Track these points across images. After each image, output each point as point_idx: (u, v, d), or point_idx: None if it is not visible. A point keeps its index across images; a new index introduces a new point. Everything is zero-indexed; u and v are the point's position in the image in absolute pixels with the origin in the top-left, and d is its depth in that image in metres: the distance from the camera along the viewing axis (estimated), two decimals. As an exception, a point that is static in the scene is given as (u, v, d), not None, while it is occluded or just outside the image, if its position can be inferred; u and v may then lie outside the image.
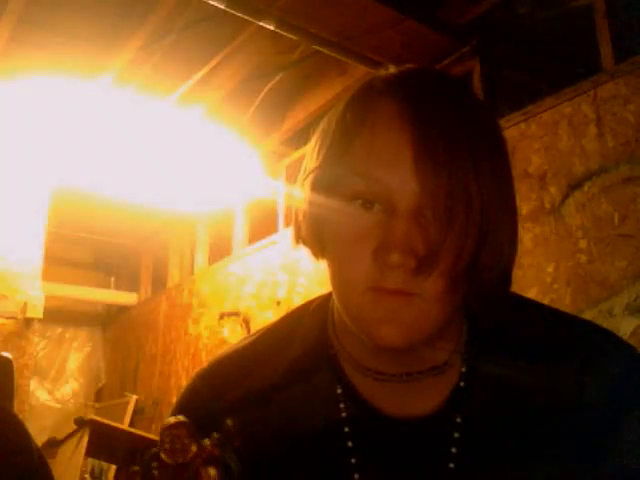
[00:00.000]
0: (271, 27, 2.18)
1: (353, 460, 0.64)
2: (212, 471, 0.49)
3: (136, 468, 0.50)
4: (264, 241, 3.28)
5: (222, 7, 2.07)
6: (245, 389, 0.70)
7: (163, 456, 0.49)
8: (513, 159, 2.09)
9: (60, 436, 3.46)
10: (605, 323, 1.74)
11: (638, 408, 0.63)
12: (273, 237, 3.21)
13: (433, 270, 0.57)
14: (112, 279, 4.98)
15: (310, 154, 0.65)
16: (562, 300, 1.88)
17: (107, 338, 4.79)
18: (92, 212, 3.82)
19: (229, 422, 0.53)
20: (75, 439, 3.27)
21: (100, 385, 4.68)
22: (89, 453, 3.20)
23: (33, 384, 4.06)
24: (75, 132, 2.72)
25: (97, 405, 4.47)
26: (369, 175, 0.59)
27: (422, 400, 0.66)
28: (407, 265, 0.56)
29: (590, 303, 1.81)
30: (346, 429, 0.66)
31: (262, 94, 2.79)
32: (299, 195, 0.66)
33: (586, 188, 1.89)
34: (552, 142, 2.01)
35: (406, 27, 2.24)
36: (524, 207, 2.04)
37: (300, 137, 3.07)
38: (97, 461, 3.53)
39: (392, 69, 0.65)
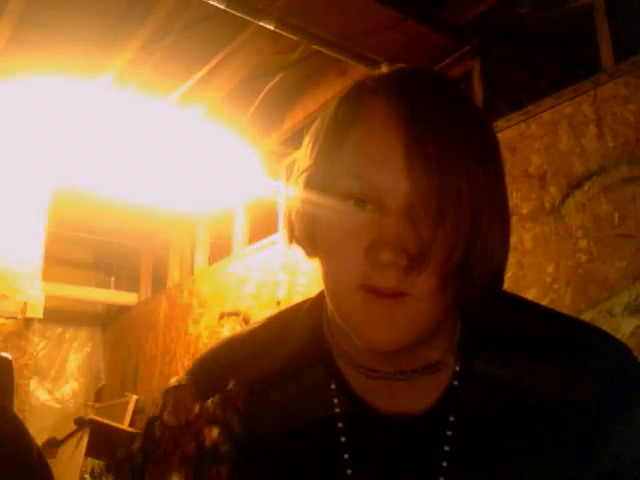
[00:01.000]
0: (271, 27, 2.18)
1: (346, 456, 0.65)
2: (215, 431, 0.49)
3: (137, 445, 0.50)
4: (264, 241, 3.28)
5: (222, 7, 2.07)
6: (241, 379, 0.70)
7: (166, 417, 0.49)
8: (513, 159, 2.09)
9: (60, 436, 3.46)
10: (605, 323, 1.74)
11: (630, 408, 0.63)
12: (273, 237, 3.21)
13: (424, 268, 0.57)
14: (112, 279, 4.98)
15: (303, 153, 0.66)
16: (562, 300, 1.88)
17: (107, 338, 4.79)
18: (92, 212, 3.82)
19: (231, 384, 0.53)
20: (75, 439, 3.27)
21: (100, 385, 4.68)
22: (89, 453, 3.21)
23: (33, 384, 4.06)
24: (75, 132, 2.72)
25: (97, 405, 4.47)
26: (361, 174, 0.59)
27: (416, 398, 0.66)
28: (399, 263, 0.57)
29: (590, 303, 1.81)
30: (340, 424, 0.66)
31: (262, 94, 2.79)
32: (292, 194, 0.66)
33: (586, 188, 1.89)
34: (552, 142, 2.01)
35: (406, 27, 2.24)
36: (524, 207, 2.04)
37: (300, 137, 3.07)
38: (97, 461, 3.53)
39: (385, 69, 0.65)
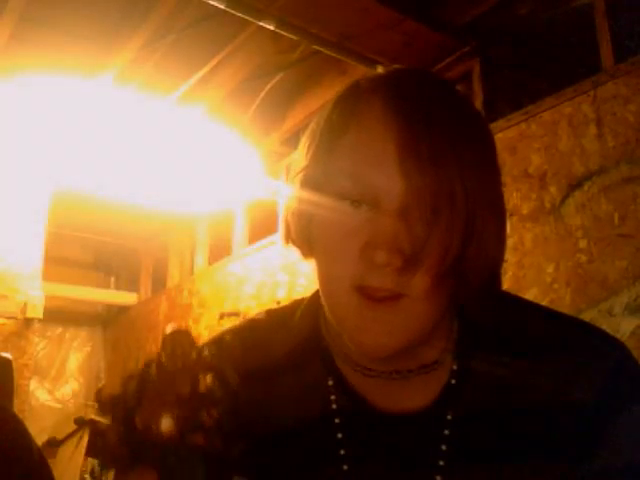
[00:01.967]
0: (271, 27, 2.18)
1: (342, 452, 0.65)
2: (209, 378, 0.49)
3: (132, 386, 0.50)
4: (264, 241, 3.28)
5: (222, 7, 2.07)
6: (245, 367, 0.70)
7: (164, 360, 0.50)
8: (513, 159, 2.09)
9: (60, 436, 3.46)
10: (605, 323, 1.74)
11: (626, 408, 0.63)
12: (273, 237, 3.21)
13: (419, 268, 0.57)
14: (112, 279, 4.98)
15: (299, 153, 0.66)
16: (562, 300, 1.88)
17: (107, 338, 4.79)
18: (92, 212, 3.82)
19: (227, 337, 0.53)
20: (75, 439, 3.28)
21: (100, 385, 4.68)
22: (89, 453, 3.21)
23: (33, 384, 4.06)
24: (75, 132, 2.72)
25: (97, 405, 4.47)
26: (356, 175, 0.59)
27: (413, 396, 0.66)
28: (393, 264, 0.57)
29: (590, 303, 1.81)
30: (336, 420, 0.66)
31: (262, 94, 2.79)
32: (288, 194, 0.66)
33: (586, 188, 1.89)
34: (552, 142, 2.01)
35: (406, 27, 2.24)
36: (524, 207, 2.04)
37: (300, 137, 3.07)
38: (97, 461, 3.53)
39: (380, 69, 0.65)
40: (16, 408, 2.27)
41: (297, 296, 0.76)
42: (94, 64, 2.51)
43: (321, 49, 2.36)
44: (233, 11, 2.11)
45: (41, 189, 3.37)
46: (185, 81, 2.62)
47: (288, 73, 2.73)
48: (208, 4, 2.07)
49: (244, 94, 2.81)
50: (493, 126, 2.18)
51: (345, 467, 0.65)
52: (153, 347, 4.13)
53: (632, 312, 1.71)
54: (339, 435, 0.66)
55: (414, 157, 0.57)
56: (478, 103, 2.29)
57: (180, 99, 2.72)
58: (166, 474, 0.48)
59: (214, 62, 2.52)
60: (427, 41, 2.32)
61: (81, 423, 3.24)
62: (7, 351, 2.44)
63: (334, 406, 0.67)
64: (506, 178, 2.10)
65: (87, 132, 2.72)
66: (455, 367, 0.66)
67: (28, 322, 3.22)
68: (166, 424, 0.48)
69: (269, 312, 0.77)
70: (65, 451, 3.34)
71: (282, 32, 2.23)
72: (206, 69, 2.55)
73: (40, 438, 3.22)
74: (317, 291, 0.73)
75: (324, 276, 0.63)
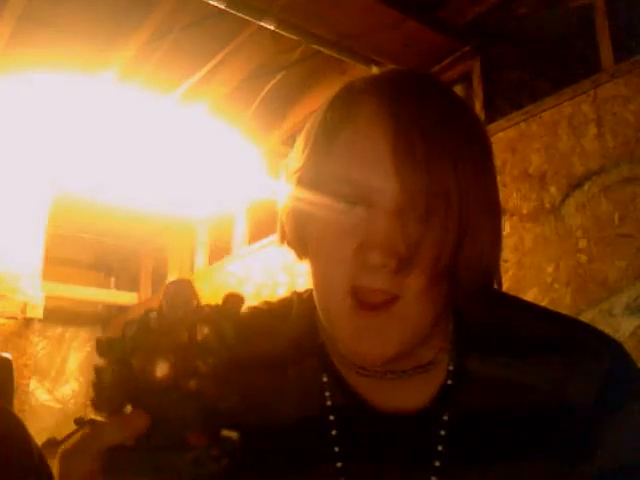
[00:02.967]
0: (271, 27, 2.18)
1: (336, 449, 0.65)
2: (207, 329, 0.49)
3: (131, 331, 0.51)
4: (264, 241, 3.28)
5: (222, 7, 2.07)
6: (241, 354, 0.70)
7: (165, 308, 0.50)
8: (513, 159, 2.09)
9: (60, 436, 3.45)
10: (605, 323, 1.74)
11: (623, 407, 0.63)
12: (273, 237, 3.20)
13: (413, 269, 0.57)
14: (112, 279, 4.98)
15: (294, 154, 0.66)
16: (562, 300, 1.88)
17: (107, 338, 4.78)
18: (92, 212, 3.81)
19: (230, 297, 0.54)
20: (75, 439, 3.26)
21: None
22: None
23: (33, 384, 4.06)
24: (76, 131, 2.72)
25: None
26: (350, 175, 0.59)
27: (409, 396, 0.66)
28: (388, 265, 0.57)
29: (590, 303, 1.81)
30: (331, 417, 0.66)
31: (263, 93, 2.79)
32: (283, 195, 0.66)
33: (586, 188, 1.89)
34: (552, 142, 2.01)
35: (406, 27, 2.24)
36: (524, 207, 2.04)
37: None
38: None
39: (375, 70, 0.66)
40: (16, 408, 2.27)
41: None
42: (95, 62, 2.51)
43: (321, 49, 2.36)
44: (233, 11, 2.10)
45: (41, 189, 3.37)
46: (185, 80, 2.62)
47: (288, 73, 2.73)
48: (209, 3, 2.07)
49: (244, 94, 2.81)
50: (493, 126, 2.18)
51: (339, 465, 0.64)
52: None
53: (632, 312, 1.71)
54: (333, 432, 0.65)
55: (408, 158, 0.57)
56: (478, 103, 2.29)
57: (180, 98, 2.72)
58: (157, 417, 0.48)
59: (214, 62, 2.52)
60: (427, 41, 2.31)
61: (81, 423, 3.24)
62: (7, 351, 2.44)
63: (329, 403, 0.67)
64: (506, 178, 2.10)
65: (88, 131, 2.72)
66: (451, 367, 0.66)
67: (28, 322, 3.21)
68: (161, 368, 0.48)
69: (269, 303, 0.77)
70: (65, 451, 3.33)
71: (282, 32, 2.23)
72: (206, 69, 2.55)
73: (40, 438, 3.22)
74: None
75: (318, 277, 0.63)
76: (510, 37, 2.38)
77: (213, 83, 2.69)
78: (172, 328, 0.49)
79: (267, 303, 0.76)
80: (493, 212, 0.63)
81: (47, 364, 4.54)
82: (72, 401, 4.56)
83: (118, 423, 0.49)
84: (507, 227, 2.06)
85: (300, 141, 0.66)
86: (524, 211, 2.03)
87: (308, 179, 0.63)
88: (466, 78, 2.37)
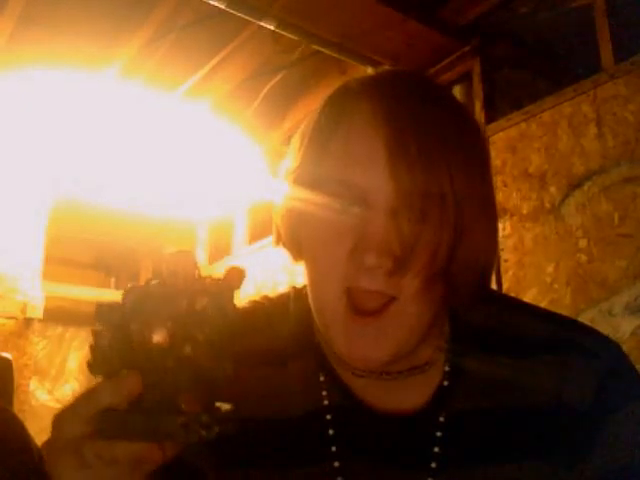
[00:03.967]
0: (271, 27, 2.18)
1: (334, 448, 0.65)
2: (205, 299, 0.50)
3: (131, 297, 0.51)
4: (264, 241, 3.28)
5: (222, 7, 2.07)
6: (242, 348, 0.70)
7: (165, 276, 0.51)
8: (513, 159, 2.09)
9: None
10: (605, 323, 1.74)
11: (621, 408, 0.62)
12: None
13: (408, 270, 0.57)
14: (112, 279, 4.98)
15: (290, 155, 0.66)
16: (562, 300, 1.88)
17: (107, 338, 4.78)
18: (93, 212, 3.81)
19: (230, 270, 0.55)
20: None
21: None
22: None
23: (33, 384, 4.06)
24: (77, 130, 2.72)
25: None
26: (345, 176, 0.59)
27: (406, 397, 0.66)
28: (384, 266, 0.56)
29: (590, 303, 1.81)
30: (328, 417, 0.66)
31: (263, 93, 2.79)
32: (278, 196, 0.66)
33: (586, 188, 1.89)
34: (552, 142, 2.01)
35: (406, 27, 2.24)
36: (524, 207, 2.04)
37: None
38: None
39: (370, 71, 0.66)
40: (16, 408, 2.27)
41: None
42: (97, 59, 2.51)
43: (321, 49, 2.36)
44: (233, 11, 2.10)
45: (42, 188, 3.37)
46: (187, 79, 2.62)
47: (288, 73, 2.72)
48: (209, 3, 2.07)
49: (245, 93, 2.81)
50: (493, 126, 2.18)
51: (336, 464, 0.64)
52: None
53: (632, 312, 1.71)
54: (330, 432, 0.65)
55: (403, 158, 0.57)
56: (478, 103, 2.29)
57: (182, 96, 2.72)
58: (151, 381, 0.48)
59: (215, 61, 2.52)
60: (427, 41, 2.31)
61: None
62: (7, 351, 2.44)
63: (326, 402, 0.67)
64: (506, 178, 2.10)
65: (89, 129, 2.72)
66: (447, 368, 0.66)
67: (28, 322, 3.22)
68: (159, 334, 0.48)
69: (268, 298, 0.77)
70: (65, 451, 3.33)
71: (282, 32, 2.23)
72: (206, 68, 2.55)
73: (40, 438, 3.22)
74: None
75: (313, 278, 0.63)
76: (510, 37, 2.38)
77: (214, 81, 2.69)
78: (172, 296, 0.50)
79: (266, 298, 0.76)
80: (489, 212, 0.62)
81: (47, 364, 4.54)
82: (72, 401, 4.56)
83: (111, 386, 0.49)
84: (507, 227, 2.06)
85: (296, 141, 0.66)
86: (524, 211, 2.03)
87: (303, 179, 0.63)
88: (466, 78, 2.37)
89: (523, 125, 2.09)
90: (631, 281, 1.73)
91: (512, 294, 1.97)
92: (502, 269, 2.05)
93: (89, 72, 2.52)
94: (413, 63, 2.36)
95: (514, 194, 2.06)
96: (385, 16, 2.19)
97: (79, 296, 4.46)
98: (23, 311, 3.20)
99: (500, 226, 2.08)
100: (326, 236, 0.60)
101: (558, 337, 0.66)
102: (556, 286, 1.91)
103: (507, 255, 2.04)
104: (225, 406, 0.50)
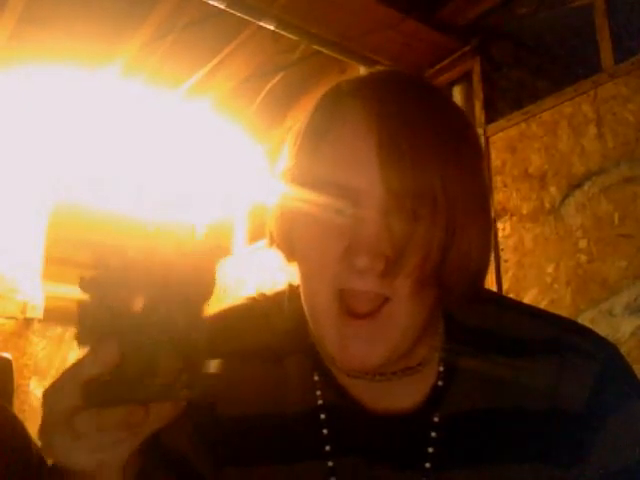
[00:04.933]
0: (271, 27, 2.18)
1: (327, 448, 0.65)
2: (190, 272, 0.52)
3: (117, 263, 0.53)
4: (264, 241, 3.27)
5: (222, 7, 2.07)
6: (234, 346, 0.70)
7: (147, 247, 0.53)
8: (513, 159, 2.09)
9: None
10: (605, 323, 1.74)
11: (618, 409, 0.62)
12: (273, 237, 3.20)
13: (400, 271, 0.57)
14: (112, 279, 4.98)
15: (283, 155, 0.66)
16: (562, 300, 1.88)
17: (107, 338, 4.78)
18: (93, 212, 3.81)
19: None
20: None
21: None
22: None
23: (33, 384, 4.06)
24: (78, 129, 2.72)
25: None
26: (336, 177, 0.59)
27: (400, 397, 0.66)
28: (376, 267, 0.56)
29: (590, 303, 1.81)
30: (322, 416, 0.66)
31: (262, 94, 2.79)
32: (271, 196, 0.66)
33: (586, 188, 1.89)
34: (552, 142, 2.01)
35: (406, 27, 2.23)
36: (524, 207, 2.04)
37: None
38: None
39: (362, 72, 0.66)
40: (16, 408, 2.27)
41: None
42: (98, 57, 2.51)
43: (321, 49, 2.36)
44: (233, 11, 2.10)
45: (42, 188, 3.37)
46: (187, 79, 2.62)
47: (288, 73, 2.72)
48: (209, 3, 2.07)
49: (246, 92, 2.81)
50: (493, 126, 2.18)
51: (330, 464, 0.64)
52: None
53: (632, 312, 1.71)
54: (325, 431, 0.65)
55: (395, 159, 0.56)
56: (478, 103, 2.29)
57: (184, 94, 2.72)
58: (131, 346, 0.49)
59: (216, 60, 2.52)
60: (427, 41, 2.31)
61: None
62: (7, 351, 2.44)
63: (320, 402, 0.66)
64: (506, 178, 2.10)
65: (90, 128, 2.72)
66: (442, 368, 0.66)
67: (28, 322, 3.22)
68: (136, 300, 0.50)
69: (265, 296, 0.76)
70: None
71: (282, 32, 2.23)
72: (208, 67, 2.55)
73: (40, 438, 3.21)
74: None
75: (305, 279, 0.63)
76: (510, 37, 2.38)
77: (216, 80, 2.69)
78: (150, 262, 0.51)
79: (263, 295, 0.76)
80: (482, 213, 0.62)
81: (47, 364, 4.54)
82: (72, 401, 4.56)
83: (92, 356, 0.49)
84: (507, 227, 2.06)
85: (289, 142, 0.66)
86: (524, 211, 2.03)
87: (296, 180, 0.63)
88: (466, 78, 2.37)
89: (523, 125, 2.09)
90: (631, 281, 1.73)
91: (512, 294, 1.97)
92: (502, 269, 2.05)
93: (90, 71, 2.52)
94: (413, 63, 2.36)
95: (514, 194, 2.06)
96: (385, 16, 2.19)
97: (79, 296, 4.46)
98: (23, 311, 3.20)
99: (500, 226, 2.08)
100: (318, 237, 0.60)
101: (554, 338, 0.66)
102: (556, 286, 1.91)
103: (507, 255, 2.04)
104: (211, 365, 0.51)
